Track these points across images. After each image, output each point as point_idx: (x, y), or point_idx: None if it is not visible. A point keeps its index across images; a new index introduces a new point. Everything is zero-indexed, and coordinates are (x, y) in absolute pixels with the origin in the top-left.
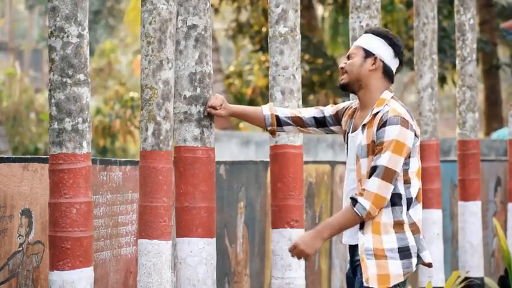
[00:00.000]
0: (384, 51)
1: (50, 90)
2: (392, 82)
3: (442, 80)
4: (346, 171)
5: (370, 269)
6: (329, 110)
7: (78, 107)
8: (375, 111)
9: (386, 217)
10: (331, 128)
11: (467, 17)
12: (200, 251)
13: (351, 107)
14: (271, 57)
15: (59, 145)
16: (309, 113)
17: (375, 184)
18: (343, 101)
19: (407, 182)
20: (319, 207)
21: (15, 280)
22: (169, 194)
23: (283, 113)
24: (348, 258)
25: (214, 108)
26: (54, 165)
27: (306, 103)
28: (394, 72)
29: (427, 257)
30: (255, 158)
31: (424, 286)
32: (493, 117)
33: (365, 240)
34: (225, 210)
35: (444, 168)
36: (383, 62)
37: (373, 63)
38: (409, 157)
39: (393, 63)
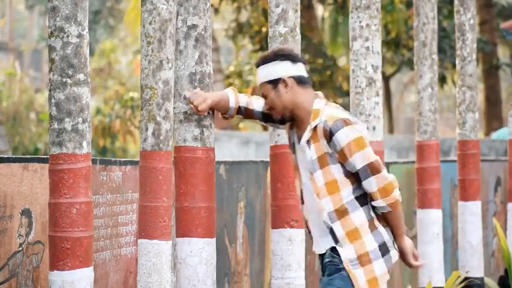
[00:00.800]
0: (284, 69)
1: (50, 90)
2: (311, 85)
3: (442, 80)
4: (300, 182)
5: (359, 279)
6: None
7: (78, 107)
8: (313, 125)
9: (360, 219)
10: (278, 126)
11: (467, 17)
12: (200, 251)
13: None
14: None
15: (59, 145)
16: (259, 106)
17: (373, 183)
18: (343, 101)
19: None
20: None
21: (15, 280)
22: (169, 194)
23: (242, 102)
24: (319, 263)
25: (196, 107)
26: (54, 165)
27: None
28: (305, 74)
29: (395, 255)
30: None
31: (424, 286)
32: (493, 117)
33: (347, 252)
34: (225, 210)
35: (444, 168)
36: (291, 77)
37: (285, 85)
38: None
39: (298, 69)
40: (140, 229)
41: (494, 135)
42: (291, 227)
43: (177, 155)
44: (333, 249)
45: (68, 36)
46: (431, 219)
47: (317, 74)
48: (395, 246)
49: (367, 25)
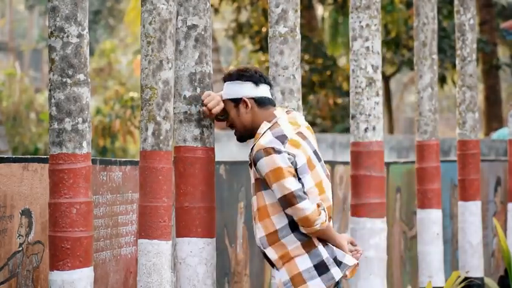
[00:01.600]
0: (245, 90)
1: (50, 90)
2: (273, 104)
3: (442, 80)
4: None
5: None
6: None
7: (78, 107)
8: (252, 148)
9: (291, 242)
10: None
11: (467, 17)
12: (200, 251)
13: None
14: (271, 57)
15: (59, 145)
16: None
17: (291, 213)
18: (343, 101)
19: None
20: None
21: (15, 280)
22: (169, 194)
23: None
24: None
25: (209, 109)
26: (54, 165)
27: (306, 103)
28: (268, 95)
29: (350, 261)
30: None
31: (424, 286)
32: (493, 117)
33: (281, 275)
34: (225, 210)
35: (444, 168)
36: (252, 98)
37: (246, 106)
38: (299, 178)
39: (261, 91)
40: (140, 229)
41: (495, 135)
42: None
43: (177, 155)
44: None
45: (68, 36)
46: (431, 219)
47: (317, 74)
48: (348, 262)
49: (367, 25)
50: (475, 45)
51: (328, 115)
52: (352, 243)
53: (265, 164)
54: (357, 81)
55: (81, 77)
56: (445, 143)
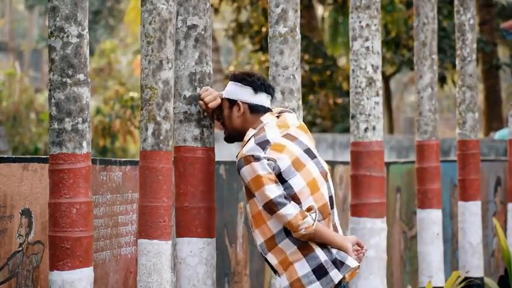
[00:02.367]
0: (243, 94)
1: (50, 90)
2: (264, 112)
3: (442, 80)
4: None
5: None
6: None
7: (78, 107)
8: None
9: (288, 248)
10: None
11: (467, 17)
12: (200, 251)
13: None
14: (271, 57)
15: (58, 145)
16: None
17: (277, 219)
18: (343, 101)
19: (298, 203)
20: None
21: (15, 280)
22: (169, 194)
23: None
24: None
25: (206, 104)
26: (54, 165)
27: (305, 103)
28: (265, 104)
29: (352, 262)
30: None
31: (424, 286)
32: (493, 117)
33: (281, 282)
34: (225, 210)
35: (444, 168)
36: (247, 103)
37: (239, 109)
38: (286, 180)
39: (258, 99)
40: (140, 229)
41: (496, 135)
42: None
43: (177, 155)
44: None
45: (68, 36)
46: (431, 219)
47: (317, 74)
48: (351, 264)
49: (367, 25)
50: (475, 45)
51: (328, 115)
52: (358, 245)
53: (247, 173)
54: (357, 81)
55: (81, 77)
56: (445, 143)
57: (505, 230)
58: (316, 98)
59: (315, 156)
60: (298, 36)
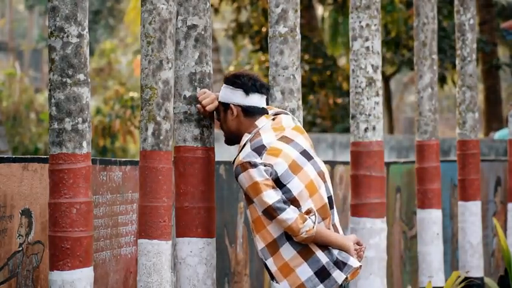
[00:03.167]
0: (235, 97)
1: (50, 90)
2: (262, 113)
3: (442, 80)
4: None
5: None
6: None
7: (78, 107)
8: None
9: (288, 252)
10: None
11: (467, 17)
12: (200, 251)
13: None
14: (271, 57)
15: (58, 145)
16: None
17: (278, 224)
18: (343, 101)
19: (297, 206)
20: None
21: (15, 280)
22: (169, 194)
23: None
24: None
25: (203, 107)
26: (54, 165)
27: (305, 103)
28: (259, 105)
29: (354, 262)
30: None
31: (424, 286)
32: (493, 117)
33: None
34: (225, 210)
35: (444, 168)
36: (240, 106)
37: (232, 113)
38: (284, 184)
39: (251, 100)
40: (140, 229)
41: (496, 135)
42: None
43: (177, 155)
44: None
45: (68, 36)
46: (431, 219)
47: (317, 74)
48: (353, 264)
49: (367, 25)
50: (475, 45)
51: (328, 115)
52: (358, 244)
53: (244, 180)
54: (357, 81)
55: (81, 77)
56: (445, 143)
57: (505, 230)
58: (316, 98)
59: (312, 157)
60: (298, 36)
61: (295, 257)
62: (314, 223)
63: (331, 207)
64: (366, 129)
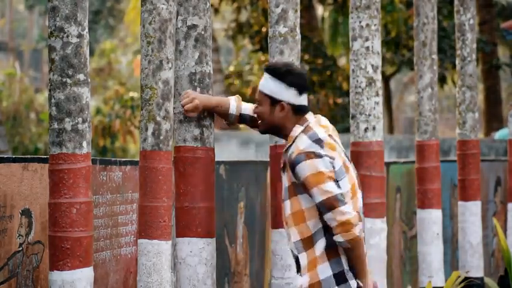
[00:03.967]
0: (288, 95)
1: (49, 90)
2: (307, 112)
3: (442, 80)
4: None
5: None
6: None
7: (78, 107)
8: (284, 155)
9: (319, 248)
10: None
11: (467, 17)
12: (200, 251)
13: None
14: (271, 57)
15: (58, 145)
16: None
17: (329, 218)
18: (343, 101)
19: None
20: None
21: (15, 280)
22: (169, 194)
23: (246, 110)
24: None
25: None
26: (54, 165)
27: None
28: (306, 104)
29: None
30: (255, 158)
31: (424, 286)
32: (493, 117)
33: (303, 282)
34: (225, 210)
35: (444, 168)
36: (290, 104)
37: (282, 110)
38: (337, 181)
39: (302, 100)
40: (140, 229)
41: (496, 135)
42: None
43: (177, 155)
44: None
45: (68, 36)
46: (431, 219)
47: (317, 74)
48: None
49: (367, 25)
50: (475, 45)
51: (328, 115)
52: (374, 285)
53: (306, 168)
54: (357, 81)
55: (81, 77)
56: (445, 143)
57: (505, 230)
58: (316, 98)
59: (351, 161)
60: (298, 36)
61: (322, 254)
62: (362, 228)
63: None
64: (366, 129)
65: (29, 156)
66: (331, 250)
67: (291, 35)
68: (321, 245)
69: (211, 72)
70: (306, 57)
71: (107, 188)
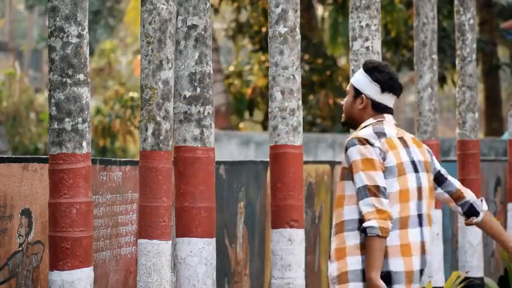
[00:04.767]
0: (370, 89)
1: (49, 90)
2: (386, 112)
3: (442, 80)
4: None
5: None
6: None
7: (78, 107)
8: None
9: (352, 239)
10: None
11: (467, 17)
12: (200, 251)
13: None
14: (271, 57)
15: (58, 145)
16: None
17: (366, 203)
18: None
19: None
20: (319, 207)
21: (15, 280)
22: (169, 194)
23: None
24: None
25: None
26: (54, 165)
27: (305, 103)
28: (388, 104)
29: None
30: (255, 158)
31: (424, 286)
32: (493, 117)
33: (332, 270)
34: (225, 210)
35: (444, 168)
36: (371, 99)
37: (361, 102)
38: (385, 178)
39: (383, 98)
40: (140, 229)
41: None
42: (291, 227)
43: (177, 155)
44: None
45: (68, 36)
46: None
47: (317, 74)
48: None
49: (367, 25)
50: (475, 45)
51: (328, 115)
52: None
53: (357, 152)
54: None
55: (81, 77)
56: (445, 143)
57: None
58: (316, 98)
59: (418, 171)
60: (298, 36)
61: (356, 246)
62: (376, 226)
63: (421, 225)
64: None
65: (29, 156)
66: (365, 246)
67: (291, 35)
68: (356, 237)
69: (211, 72)
70: (306, 57)
71: (107, 188)
